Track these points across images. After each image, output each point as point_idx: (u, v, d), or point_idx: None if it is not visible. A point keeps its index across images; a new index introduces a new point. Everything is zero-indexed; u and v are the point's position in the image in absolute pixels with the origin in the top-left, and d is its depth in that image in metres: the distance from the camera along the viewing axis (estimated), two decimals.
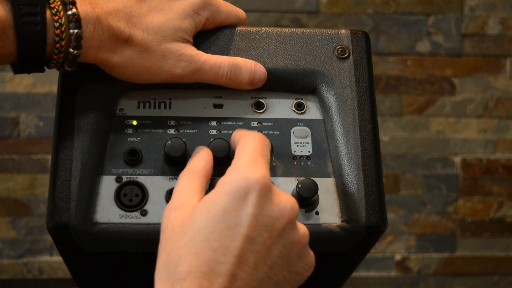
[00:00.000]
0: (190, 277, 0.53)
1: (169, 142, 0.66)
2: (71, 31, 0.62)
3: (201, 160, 0.64)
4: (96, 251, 0.67)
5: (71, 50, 0.63)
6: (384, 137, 2.53)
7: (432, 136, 2.55)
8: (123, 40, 0.66)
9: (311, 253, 0.60)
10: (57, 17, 0.62)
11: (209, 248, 0.54)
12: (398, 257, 2.57)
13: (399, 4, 2.52)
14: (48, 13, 0.62)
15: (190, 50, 0.69)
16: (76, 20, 0.62)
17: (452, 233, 2.58)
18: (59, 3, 0.63)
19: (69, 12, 0.62)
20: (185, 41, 0.69)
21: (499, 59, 2.56)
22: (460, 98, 2.55)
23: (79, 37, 0.63)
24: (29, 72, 0.66)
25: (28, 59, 0.63)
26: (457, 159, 2.56)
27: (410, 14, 2.53)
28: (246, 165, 0.58)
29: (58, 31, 0.62)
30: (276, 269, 0.57)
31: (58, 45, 0.63)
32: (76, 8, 0.63)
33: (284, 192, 0.59)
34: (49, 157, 2.42)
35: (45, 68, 0.67)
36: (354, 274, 2.65)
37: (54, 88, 2.42)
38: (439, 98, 2.54)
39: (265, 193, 0.56)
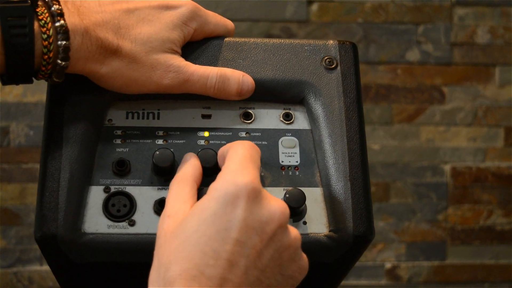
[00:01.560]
0: (180, 280, 0.53)
1: (157, 152, 0.66)
2: (59, 42, 0.62)
3: (189, 167, 0.64)
4: (84, 262, 0.67)
5: (59, 61, 0.63)
6: (374, 146, 2.53)
7: (422, 144, 2.56)
8: (111, 51, 0.66)
9: (304, 256, 0.60)
10: (45, 28, 0.62)
11: (199, 251, 0.54)
12: (388, 265, 2.57)
13: (389, 13, 2.53)
14: (36, 24, 0.62)
15: (179, 61, 0.69)
16: (64, 32, 0.62)
17: (442, 241, 2.58)
18: (47, 15, 0.63)
19: (57, 24, 0.62)
20: (174, 52, 0.69)
21: (488, 68, 2.57)
22: (449, 106, 2.56)
23: (67, 48, 0.63)
24: (17, 83, 0.66)
25: (16, 70, 0.63)
26: (447, 168, 2.57)
27: (399, 23, 2.54)
28: (235, 170, 0.58)
29: (46, 42, 0.62)
30: (268, 273, 0.57)
31: (46, 56, 0.63)
32: (64, 20, 0.63)
33: (275, 197, 0.59)
34: (39, 166, 2.42)
35: (33, 79, 0.67)
36: (344, 282, 2.64)
37: (45, 97, 2.42)
38: (429, 107, 2.55)
39: (254, 197, 0.56)
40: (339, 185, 0.68)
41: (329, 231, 0.67)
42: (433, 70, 2.55)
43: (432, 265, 2.58)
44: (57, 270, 0.72)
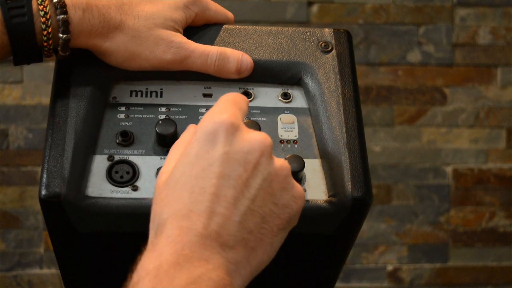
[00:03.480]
0: (171, 220, 0.56)
1: (160, 122, 0.69)
2: (58, 17, 0.66)
3: (188, 134, 0.65)
4: (86, 230, 0.68)
5: (60, 35, 0.67)
6: (375, 148, 2.53)
7: (423, 146, 2.55)
8: (115, 26, 0.69)
9: (297, 185, 0.61)
10: (42, 6, 0.66)
11: (187, 191, 0.57)
12: (390, 267, 2.57)
13: (390, 14, 2.52)
14: (34, 3, 0.66)
15: (180, 38, 0.72)
16: (62, 6, 0.66)
17: (444, 243, 2.57)
18: None
19: (55, 0, 0.66)
20: (176, 30, 0.72)
21: (490, 69, 2.56)
22: (451, 108, 2.55)
23: (66, 22, 0.66)
24: (28, 63, 0.70)
25: (22, 49, 0.67)
26: (449, 169, 2.56)
27: (400, 24, 2.53)
28: (215, 111, 0.60)
29: (44, 19, 0.66)
30: (259, 202, 0.58)
31: (45, 32, 0.66)
32: None
33: (255, 130, 0.61)
34: (38, 169, 2.41)
35: (43, 58, 0.70)
36: (346, 285, 2.64)
37: (44, 99, 2.42)
38: (430, 108, 2.54)
39: (233, 131, 0.58)
40: (337, 154, 0.70)
41: (328, 196, 0.69)
42: (434, 71, 2.54)
43: (434, 268, 2.58)
44: (58, 242, 0.72)
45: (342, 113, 0.72)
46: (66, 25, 0.66)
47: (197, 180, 0.57)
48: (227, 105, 0.60)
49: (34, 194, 2.42)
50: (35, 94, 2.42)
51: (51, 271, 2.45)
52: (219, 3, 0.79)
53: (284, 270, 0.74)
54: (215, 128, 0.58)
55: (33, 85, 2.41)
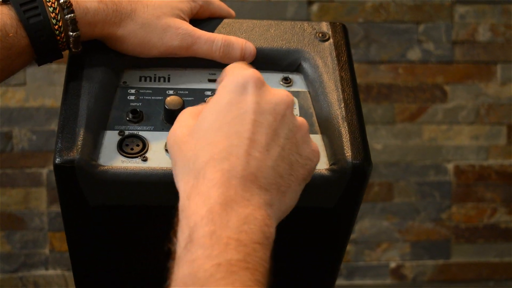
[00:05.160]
0: (211, 163, 0.58)
1: (169, 98, 0.72)
2: (66, 16, 0.70)
3: (194, 108, 0.69)
4: (97, 203, 0.71)
5: (70, 33, 0.71)
6: (377, 145, 2.53)
7: (424, 143, 2.56)
8: (126, 15, 0.73)
9: (314, 142, 0.65)
10: (50, 3, 0.70)
11: (223, 136, 0.60)
12: (393, 264, 2.57)
13: (390, 12, 2.53)
14: (44, 2, 0.70)
15: (187, 25, 0.76)
16: (68, 6, 0.70)
17: (447, 240, 2.58)
18: None
19: (61, 1, 0.70)
20: (182, 19, 0.76)
21: (489, 66, 2.57)
22: (451, 105, 2.56)
23: (73, 20, 0.70)
24: (51, 61, 0.74)
25: (43, 48, 0.71)
26: (450, 166, 2.57)
27: (400, 22, 2.54)
28: (238, 67, 0.65)
29: (54, 14, 0.70)
30: (287, 150, 0.62)
31: (56, 26, 0.70)
32: None
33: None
34: (42, 171, 2.42)
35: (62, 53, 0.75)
36: (350, 282, 2.65)
37: (47, 101, 2.43)
38: (431, 106, 2.55)
39: (261, 84, 0.62)
40: (336, 127, 0.73)
41: (330, 165, 0.72)
42: (434, 69, 2.55)
43: (436, 264, 2.59)
44: (69, 218, 0.75)
45: (340, 91, 0.75)
46: (74, 23, 0.70)
47: (232, 126, 0.60)
48: (245, 65, 0.65)
49: (38, 195, 2.44)
50: (38, 96, 2.43)
51: (56, 272, 2.46)
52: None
53: (288, 249, 0.75)
54: (245, 81, 0.62)
55: (36, 87, 2.42)
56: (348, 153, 0.71)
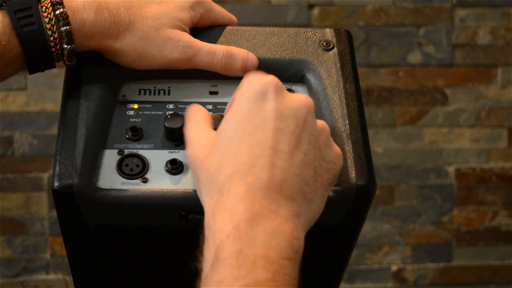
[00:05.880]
0: (235, 176, 0.57)
1: (169, 116, 0.71)
2: (61, 28, 0.68)
3: (197, 109, 0.68)
4: (97, 224, 0.69)
5: (65, 46, 0.69)
6: (377, 149, 2.54)
7: (425, 146, 2.56)
8: (124, 27, 0.71)
9: (336, 145, 0.64)
10: (46, 13, 0.68)
11: (245, 147, 0.58)
12: (394, 268, 2.57)
13: (390, 16, 2.53)
14: (40, 11, 0.68)
15: (187, 37, 0.73)
16: (64, 18, 0.68)
17: (448, 243, 2.58)
18: (48, 1, 0.68)
19: (57, 12, 0.68)
20: (182, 29, 0.74)
21: (490, 69, 2.57)
22: (452, 108, 2.56)
23: (69, 33, 0.68)
24: (42, 70, 0.71)
25: (35, 57, 0.69)
26: (451, 169, 2.57)
27: (400, 25, 2.54)
28: (255, 76, 0.63)
29: (49, 25, 0.68)
30: (310, 156, 0.60)
31: (52, 38, 0.68)
32: (64, 7, 0.68)
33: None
34: (43, 175, 2.42)
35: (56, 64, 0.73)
36: (351, 286, 2.64)
37: (48, 106, 2.43)
38: (432, 109, 2.55)
39: (280, 90, 0.61)
40: (340, 145, 0.71)
41: (334, 186, 0.70)
42: (435, 72, 2.55)
43: (438, 267, 2.58)
44: (70, 238, 0.74)
45: (344, 106, 0.73)
46: (69, 35, 0.68)
47: (253, 136, 0.59)
48: (263, 74, 0.63)
49: (39, 200, 2.44)
50: (39, 101, 2.43)
51: (58, 276, 2.46)
52: (221, 6, 0.81)
53: None
54: (264, 88, 0.61)
55: (37, 92, 2.42)
56: (352, 174, 0.69)
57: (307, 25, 2.50)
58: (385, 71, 2.54)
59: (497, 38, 2.57)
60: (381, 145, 2.54)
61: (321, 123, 0.63)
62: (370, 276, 2.56)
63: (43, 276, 2.45)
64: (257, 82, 0.61)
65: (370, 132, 2.48)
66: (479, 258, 2.60)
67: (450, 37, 2.55)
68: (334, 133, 0.72)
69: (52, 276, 2.45)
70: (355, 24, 2.51)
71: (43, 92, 2.43)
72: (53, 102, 2.42)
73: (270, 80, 0.61)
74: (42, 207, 2.44)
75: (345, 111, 0.73)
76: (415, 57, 2.54)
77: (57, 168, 0.67)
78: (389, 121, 2.54)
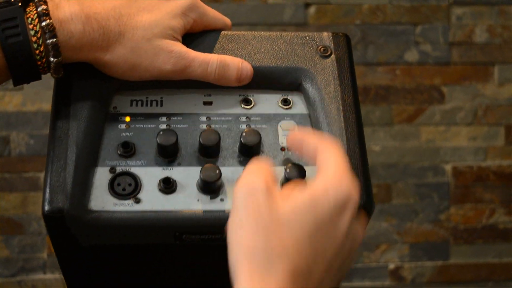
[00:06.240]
0: (289, 275, 0.55)
1: (161, 132, 0.69)
2: (48, 41, 0.65)
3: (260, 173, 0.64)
4: (90, 243, 0.68)
5: (51, 58, 0.66)
6: (374, 147, 2.54)
7: (422, 145, 2.56)
8: (114, 38, 0.68)
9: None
10: (32, 25, 0.65)
11: (311, 247, 0.57)
12: (391, 266, 2.57)
13: (386, 14, 2.53)
14: (26, 23, 0.65)
15: (180, 47, 0.71)
16: (50, 30, 0.65)
17: (445, 241, 2.58)
18: (34, 12, 0.65)
19: (43, 24, 0.65)
20: (175, 39, 0.71)
21: (487, 67, 2.57)
22: (449, 106, 2.56)
23: (56, 45, 0.65)
24: (27, 82, 0.69)
25: (20, 69, 0.66)
26: (448, 167, 2.57)
27: (397, 24, 2.54)
28: (345, 176, 0.60)
29: (35, 38, 0.65)
30: (347, 264, 0.62)
31: (37, 51, 0.66)
32: (50, 19, 0.65)
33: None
34: (40, 175, 2.42)
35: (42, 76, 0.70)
36: (349, 284, 2.64)
37: (44, 106, 2.43)
38: (429, 107, 2.55)
39: (356, 210, 0.60)
40: None
41: None
42: (432, 70, 2.55)
43: (435, 265, 2.58)
44: (63, 256, 0.73)
45: (342, 119, 0.71)
46: (56, 48, 0.66)
47: (322, 241, 0.58)
48: (351, 175, 0.61)
49: (36, 200, 2.43)
50: (35, 101, 2.43)
51: (55, 276, 2.46)
52: (216, 6, 0.79)
53: None
54: (347, 201, 0.59)
55: (34, 92, 2.42)
56: None
57: (304, 24, 2.50)
58: (382, 69, 2.54)
59: (494, 36, 2.57)
60: (378, 143, 2.54)
61: (360, 230, 0.63)
62: (367, 274, 2.56)
63: (40, 276, 2.45)
64: (345, 191, 0.59)
65: (368, 131, 2.48)
66: (476, 256, 2.60)
67: (447, 35, 2.55)
68: None
69: (49, 276, 2.45)
70: (351, 23, 2.51)
71: (40, 92, 2.42)
72: (49, 102, 2.40)
73: (356, 195, 0.60)
74: (39, 207, 2.43)
75: (343, 124, 0.71)
76: (412, 56, 2.54)
77: (47, 191, 0.66)
78: (386, 119, 2.54)
